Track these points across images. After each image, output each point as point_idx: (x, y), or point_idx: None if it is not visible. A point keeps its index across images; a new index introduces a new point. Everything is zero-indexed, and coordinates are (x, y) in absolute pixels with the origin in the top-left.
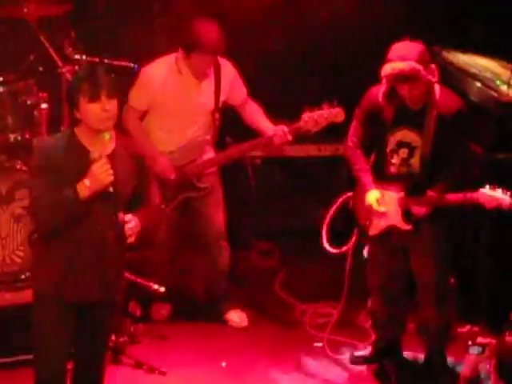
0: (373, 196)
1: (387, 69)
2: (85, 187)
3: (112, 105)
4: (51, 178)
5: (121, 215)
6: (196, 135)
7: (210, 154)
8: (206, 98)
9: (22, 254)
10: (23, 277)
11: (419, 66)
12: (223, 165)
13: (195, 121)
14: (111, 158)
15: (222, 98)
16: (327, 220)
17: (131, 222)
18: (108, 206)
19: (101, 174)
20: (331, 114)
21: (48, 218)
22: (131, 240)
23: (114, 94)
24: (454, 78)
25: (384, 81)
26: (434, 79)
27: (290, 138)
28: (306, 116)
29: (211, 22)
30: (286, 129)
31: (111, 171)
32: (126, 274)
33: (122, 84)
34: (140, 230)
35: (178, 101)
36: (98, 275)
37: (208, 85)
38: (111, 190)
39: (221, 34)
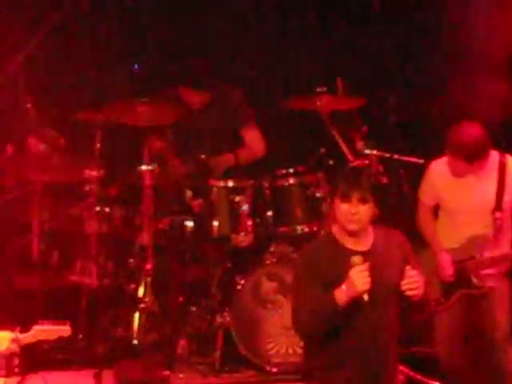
0: None
1: None
2: (341, 292)
3: (362, 209)
4: (312, 277)
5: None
6: (476, 232)
7: (493, 252)
8: (486, 196)
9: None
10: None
11: None
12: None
13: (474, 218)
14: (371, 253)
15: (506, 197)
16: None
17: (411, 274)
18: (382, 302)
19: (357, 280)
20: None
21: (305, 321)
22: (415, 293)
23: (367, 200)
24: None
25: None
26: None
27: None
28: None
29: (473, 125)
30: None
31: (368, 279)
32: (406, 370)
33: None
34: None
35: (456, 199)
36: (376, 373)
37: (489, 183)
38: (366, 298)
39: (479, 139)
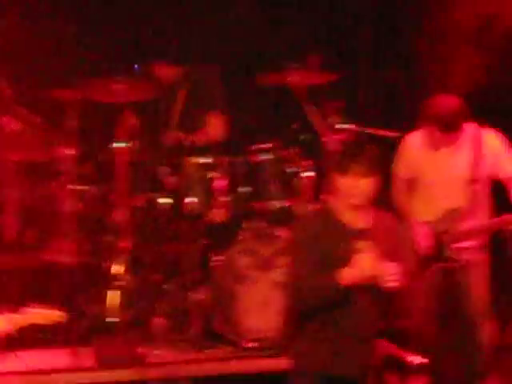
0: None
1: None
2: (345, 274)
3: (363, 182)
4: (312, 252)
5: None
6: (452, 204)
7: (470, 224)
8: (461, 168)
9: (281, 320)
10: (282, 343)
11: None
12: (485, 235)
13: (451, 191)
14: (369, 232)
15: (482, 169)
16: None
17: (390, 265)
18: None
19: (363, 265)
20: None
21: (306, 298)
22: (393, 285)
23: (368, 173)
24: None
25: None
26: None
27: None
28: None
29: (450, 96)
30: None
31: (376, 266)
32: (384, 344)
33: (386, 155)
34: (400, 285)
35: (432, 171)
36: (356, 355)
37: (464, 155)
38: (373, 283)
39: (455, 109)
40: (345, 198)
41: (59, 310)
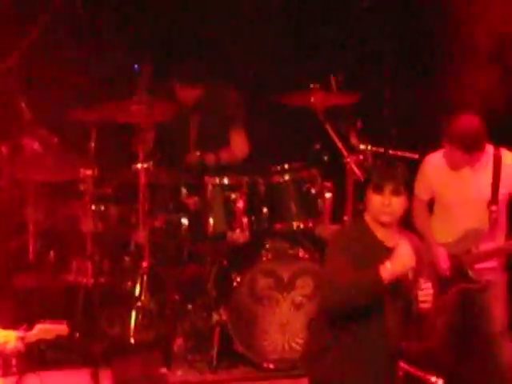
0: None
1: None
2: (387, 268)
3: (395, 201)
4: (347, 257)
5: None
6: (472, 226)
7: (490, 245)
8: (481, 190)
9: (301, 341)
10: (300, 365)
11: None
12: (507, 257)
13: (470, 212)
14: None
15: (501, 190)
16: None
17: (426, 286)
18: (399, 304)
19: (405, 255)
20: None
21: (345, 292)
22: (427, 306)
23: (401, 192)
24: None
25: None
26: None
27: None
28: None
29: (472, 116)
30: None
31: (414, 257)
32: (405, 365)
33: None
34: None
35: (451, 192)
36: (385, 372)
37: (484, 176)
38: (410, 275)
39: (478, 129)
40: (376, 215)
41: (62, 323)
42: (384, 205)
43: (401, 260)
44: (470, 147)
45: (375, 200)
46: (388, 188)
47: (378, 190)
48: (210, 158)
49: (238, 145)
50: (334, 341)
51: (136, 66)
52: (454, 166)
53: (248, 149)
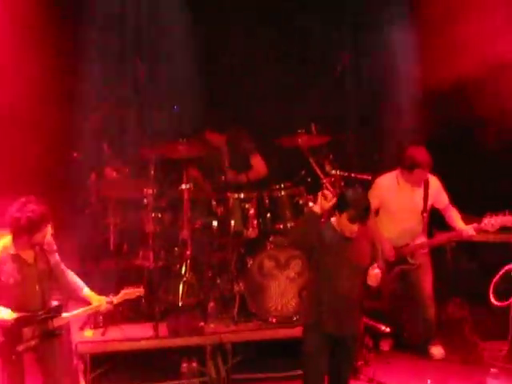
0: None
1: None
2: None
3: (355, 226)
4: (314, 230)
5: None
6: (410, 227)
7: (421, 239)
8: (417, 202)
9: (293, 304)
10: (294, 319)
11: None
12: (431, 247)
13: (409, 217)
14: (356, 240)
15: (429, 203)
16: (493, 283)
17: (376, 269)
18: (354, 274)
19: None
20: (507, 220)
21: (294, 229)
22: (373, 283)
23: (361, 220)
24: None
25: None
26: None
27: (474, 233)
28: (487, 220)
29: (421, 147)
30: (471, 231)
31: (331, 198)
32: (364, 319)
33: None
34: (379, 281)
35: (397, 203)
36: (346, 317)
37: (419, 193)
38: (355, 263)
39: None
40: (342, 231)
41: (139, 286)
42: (351, 230)
43: (322, 198)
44: (428, 168)
45: (346, 225)
46: (358, 222)
47: (352, 222)
48: (242, 177)
49: (260, 166)
50: (307, 292)
51: (175, 106)
52: (398, 185)
53: (267, 168)
